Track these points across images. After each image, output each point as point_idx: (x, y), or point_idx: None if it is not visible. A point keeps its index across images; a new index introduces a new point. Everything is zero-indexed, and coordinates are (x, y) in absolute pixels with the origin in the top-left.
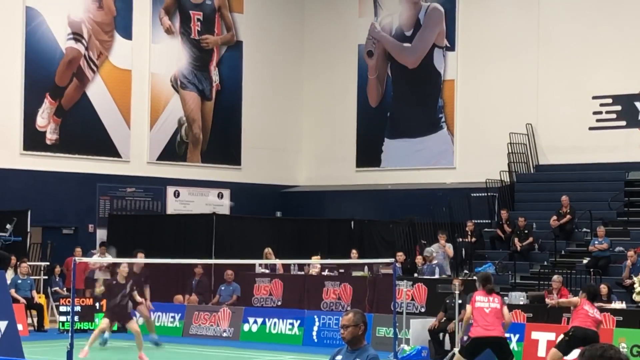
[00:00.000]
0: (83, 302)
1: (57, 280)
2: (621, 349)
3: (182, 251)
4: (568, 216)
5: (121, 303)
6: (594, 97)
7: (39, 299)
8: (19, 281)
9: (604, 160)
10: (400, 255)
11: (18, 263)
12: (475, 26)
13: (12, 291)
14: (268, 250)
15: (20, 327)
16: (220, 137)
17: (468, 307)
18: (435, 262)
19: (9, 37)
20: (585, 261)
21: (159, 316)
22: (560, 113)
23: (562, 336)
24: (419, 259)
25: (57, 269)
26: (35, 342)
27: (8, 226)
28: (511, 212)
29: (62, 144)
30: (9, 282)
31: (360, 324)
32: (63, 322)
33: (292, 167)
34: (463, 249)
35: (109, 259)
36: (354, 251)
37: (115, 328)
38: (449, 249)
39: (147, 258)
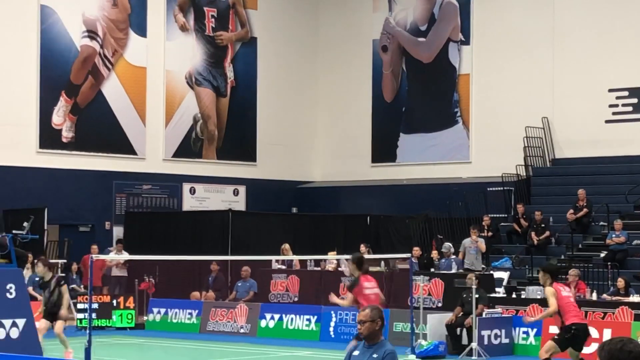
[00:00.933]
0: (100, 299)
1: (74, 277)
2: None
3: (199, 248)
4: (585, 210)
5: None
6: (610, 90)
7: None
8: (37, 279)
9: (620, 153)
10: (417, 250)
11: (35, 261)
12: (490, 19)
13: (30, 289)
14: (285, 246)
15: (38, 324)
16: (235, 133)
17: (552, 298)
18: (452, 257)
19: (24, 35)
20: (602, 255)
21: (176, 313)
22: (576, 106)
23: (562, 332)
24: (435, 254)
25: (75, 267)
26: (53, 339)
27: (25, 224)
28: (527, 206)
29: (78, 142)
30: (26, 280)
31: (377, 320)
32: (81, 320)
33: (307, 162)
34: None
35: (125, 256)
36: (362, 246)
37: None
38: (482, 243)
39: (164, 255)
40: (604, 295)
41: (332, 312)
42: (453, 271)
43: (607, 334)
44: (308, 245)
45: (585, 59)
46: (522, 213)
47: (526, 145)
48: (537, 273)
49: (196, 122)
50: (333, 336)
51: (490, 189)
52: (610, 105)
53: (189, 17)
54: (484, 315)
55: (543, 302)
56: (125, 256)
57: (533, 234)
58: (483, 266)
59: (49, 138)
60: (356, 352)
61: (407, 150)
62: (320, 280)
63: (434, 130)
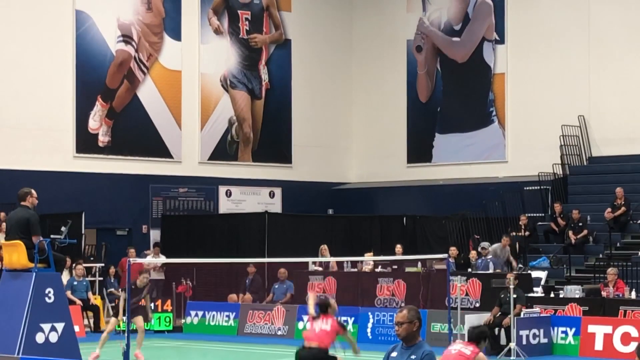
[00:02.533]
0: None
1: (112, 281)
2: None
3: (235, 250)
4: (623, 208)
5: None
6: None
7: (95, 300)
8: (75, 283)
9: None
10: (454, 250)
11: (73, 265)
12: (524, 18)
13: (68, 293)
14: (323, 247)
15: (77, 328)
16: (270, 135)
17: None
18: (489, 256)
19: (60, 41)
20: None
21: (213, 315)
22: (612, 104)
23: None
24: (473, 254)
25: (112, 270)
26: (92, 343)
27: (63, 229)
28: (564, 205)
29: (114, 146)
30: (65, 284)
31: (415, 321)
32: (119, 323)
33: (342, 164)
34: (517, 243)
35: (162, 259)
36: (398, 246)
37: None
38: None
39: (200, 258)
40: None
41: (370, 313)
42: (490, 271)
43: None
44: (344, 247)
45: (621, 56)
46: (559, 212)
47: (562, 143)
48: (576, 272)
49: (231, 125)
50: (370, 337)
51: (527, 188)
52: None
53: (223, 20)
54: (522, 315)
55: (581, 302)
56: (162, 259)
57: (571, 232)
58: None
59: (85, 142)
60: (394, 354)
61: (442, 151)
62: (357, 281)
63: (470, 130)
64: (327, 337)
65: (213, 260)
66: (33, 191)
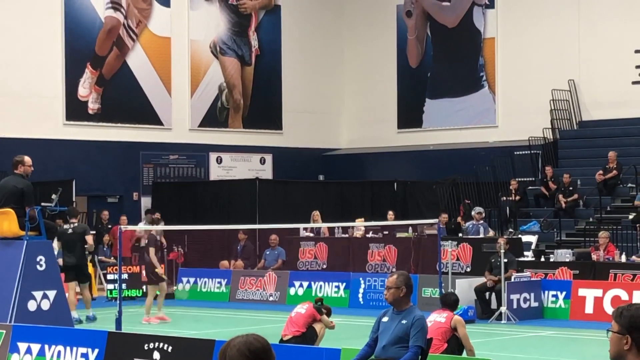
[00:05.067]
0: (130, 270)
1: (104, 249)
2: None
3: (226, 217)
4: (614, 172)
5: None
6: (637, 51)
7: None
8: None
9: None
10: (444, 218)
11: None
12: None
13: (60, 260)
14: (316, 213)
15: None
16: (261, 102)
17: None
18: (480, 222)
19: (49, 8)
20: (631, 216)
21: (205, 282)
22: (602, 68)
23: None
24: (459, 220)
25: (106, 238)
26: (83, 310)
27: (53, 196)
28: (555, 169)
29: (104, 114)
30: (56, 252)
31: (403, 287)
32: (111, 290)
33: (333, 130)
34: (507, 208)
35: (151, 226)
36: (390, 213)
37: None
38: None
39: (192, 225)
40: (633, 257)
41: (361, 278)
42: (481, 236)
43: (637, 296)
44: (335, 213)
45: (611, 20)
46: (550, 176)
47: (553, 108)
48: (566, 236)
49: (221, 92)
50: (362, 302)
51: (517, 152)
52: (637, 67)
53: None
54: (512, 280)
55: (572, 265)
56: (151, 226)
57: (561, 196)
58: None
59: (75, 110)
60: (385, 319)
61: (433, 116)
62: (348, 247)
63: (460, 95)
64: (301, 320)
65: (204, 227)
66: (27, 158)
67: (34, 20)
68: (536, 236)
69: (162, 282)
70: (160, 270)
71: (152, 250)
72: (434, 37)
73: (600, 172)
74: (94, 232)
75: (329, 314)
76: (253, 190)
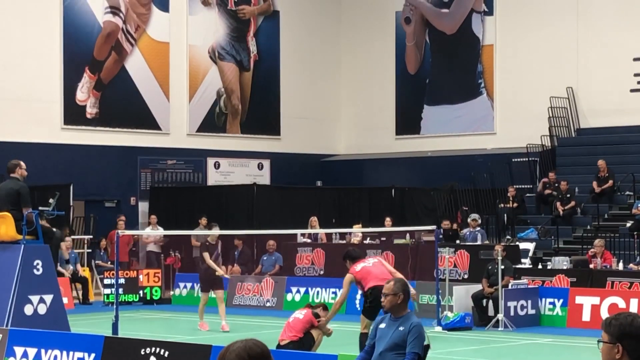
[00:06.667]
0: (127, 274)
1: (101, 253)
2: None
3: (224, 222)
4: (610, 182)
5: (208, 270)
6: (635, 59)
7: (84, 272)
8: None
9: None
10: (446, 224)
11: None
12: None
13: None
14: (313, 218)
15: (65, 300)
16: (259, 107)
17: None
18: (478, 228)
19: (47, 12)
20: (628, 224)
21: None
22: (600, 76)
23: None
24: (454, 225)
25: (103, 242)
26: (81, 314)
27: (51, 200)
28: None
29: (102, 118)
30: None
31: (400, 293)
32: (108, 295)
33: (331, 136)
34: (505, 215)
35: (148, 231)
36: (388, 219)
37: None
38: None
39: (189, 230)
40: (631, 265)
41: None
42: (479, 243)
43: (634, 304)
44: (333, 219)
45: (610, 28)
46: (553, 181)
47: (551, 115)
48: (564, 243)
49: (220, 97)
50: (359, 308)
51: (515, 159)
52: (636, 75)
53: None
54: (510, 287)
55: (569, 273)
56: (148, 231)
57: (558, 204)
58: None
59: (73, 114)
60: (383, 325)
61: (431, 122)
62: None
63: (458, 101)
64: (299, 325)
65: (201, 233)
66: (22, 163)
67: (33, 25)
68: (533, 243)
69: (218, 289)
70: (220, 272)
71: (206, 255)
72: (433, 44)
73: (595, 182)
74: (91, 236)
75: (324, 310)
76: (250, 196)
